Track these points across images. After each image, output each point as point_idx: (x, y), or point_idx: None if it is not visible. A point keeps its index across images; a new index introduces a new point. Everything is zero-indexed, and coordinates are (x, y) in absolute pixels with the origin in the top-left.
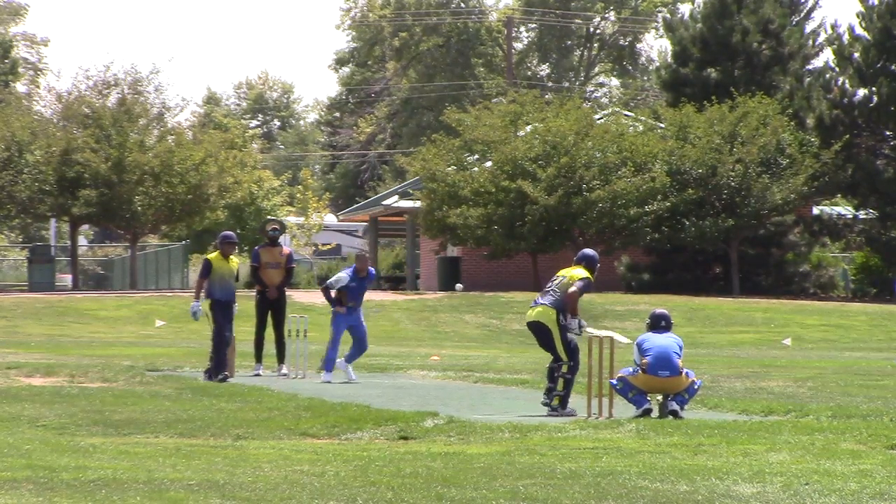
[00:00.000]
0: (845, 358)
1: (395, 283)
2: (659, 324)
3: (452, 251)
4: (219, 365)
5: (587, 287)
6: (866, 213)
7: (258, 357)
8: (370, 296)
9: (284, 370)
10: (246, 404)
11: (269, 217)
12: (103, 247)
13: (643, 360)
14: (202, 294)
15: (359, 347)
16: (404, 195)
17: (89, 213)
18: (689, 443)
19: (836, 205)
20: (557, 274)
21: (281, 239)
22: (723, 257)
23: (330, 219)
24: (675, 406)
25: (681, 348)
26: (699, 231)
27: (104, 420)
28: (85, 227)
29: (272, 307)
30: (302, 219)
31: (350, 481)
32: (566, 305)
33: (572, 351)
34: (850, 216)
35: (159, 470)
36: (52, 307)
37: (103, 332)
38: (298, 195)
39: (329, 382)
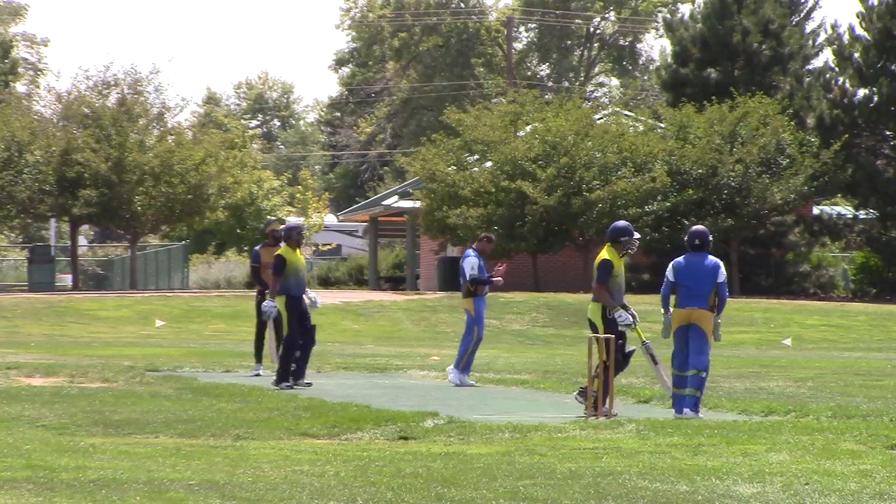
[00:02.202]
0: (845, 358)
1: (395, 283)
2: (693, 242)
3: (452, 251)
4: (286, 372)
5: (604, 272)
6: (866, 213)
7: (258, 357)
8: (370, 295)
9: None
10: (246, 404)
11: (274, 217)
12: (103, 247)
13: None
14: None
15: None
16: (404, 195)
17: (89, 213)
18: (689, 443)
19: (836, 205)
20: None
21: None
22: (723, 257)
23: (330, 219)
24: (689, 413)
25: (716, 274)
26: None
27: (104, 420)
28: (85, 227)
29: None
30: (302, 219)
31: (350, 481)
32: (599, 300)
33: (617, 347)
34: (850, 216)
35: (159, 470)
36: (52, 307)
37: (103, 332)
38: (298, 195)
39: (464, 385)
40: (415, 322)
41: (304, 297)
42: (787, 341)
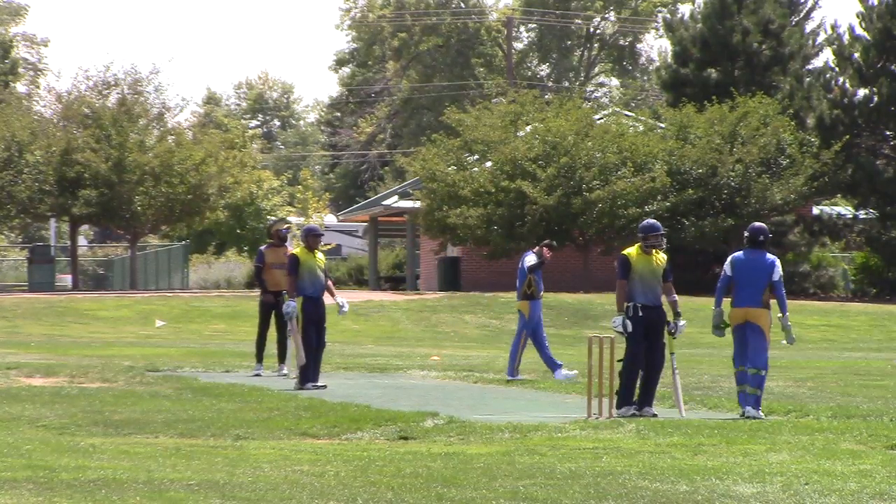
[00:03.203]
0: (845, 358)
1: (395, 283)
2: (755, 238)
3: (452, 251)
4: (305, 373)
5: (621, 268)
6: (866, 213)
7: (259, 357)
8: (370, 295)
9: (285, 370)
10: (246, 404)
11: (278, 218)
12: (103, 247)
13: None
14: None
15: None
16: (404, 195)
17: (89, 213)
18: (689, 443)
19: (836, 205)
20: None
21: None
22: (723, 257)
23: (330, 219)
24: (751, 411)
25: (772, 272)
26: (699, 231)
27: (104, 420)
28: (85, 227)
29: (275, 308)
30: (302, 219)
31: (350, 481)
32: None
33: (628, 349)
34: (850, 216)
35: (159, 470)
36: (52, 307)
37: (103, 332)
38: (298, 195)
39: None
40: (415, 322)
41: (336, 301)
42: (786, 341)
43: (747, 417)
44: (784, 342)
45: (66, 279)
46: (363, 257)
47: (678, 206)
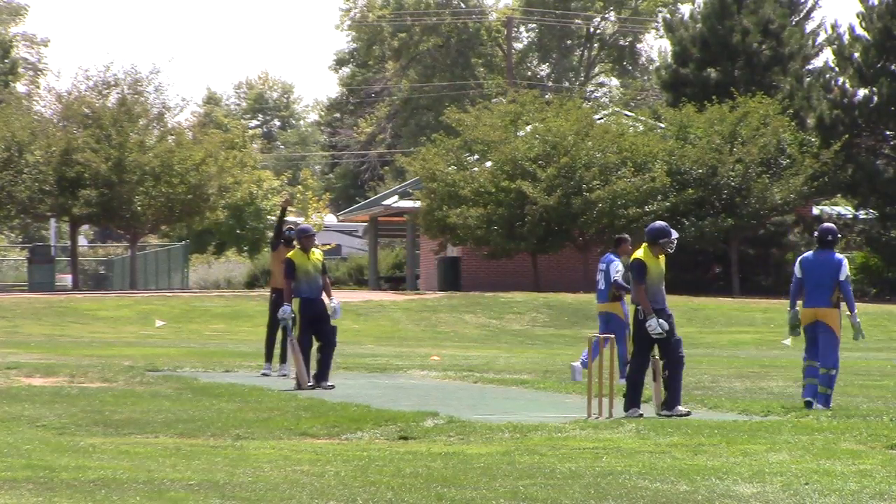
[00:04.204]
0: (845, 358)
1: (395, 283)
2: (824, 239)
3: (452, 251)
4: (305, 370)
5: (637, 273)
6: (866, 213)
7: (268, 357)
8: (370, 295)
9: (285, 370)
10: (246, 404)
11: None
12: (103, 247)
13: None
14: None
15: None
16: (404, 195)
17: (89, 213)
18: (689, 443)
19: (836, 205)
20: None
21: None
22: (723, 257)
23: (330, 219)
24: (820, 408)
25: (839, 271)
26: (699, 231)
27: (104, 420)
28: (85, 227)
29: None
30: (302, 219)
31: (350, 481)
32: (634, 301)
33: (636, 351)
34: (850, 216)
35: (159, 470)
36: (52, 307)
37: (103, 332)
38: (298, 195)
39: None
40: (415, 322)
41: (328, 302)
42: (787, 341)
43: (811, 408)
44: (855, 338)
45: (66, 279)
46: (363, 257)
47: (678, 206)
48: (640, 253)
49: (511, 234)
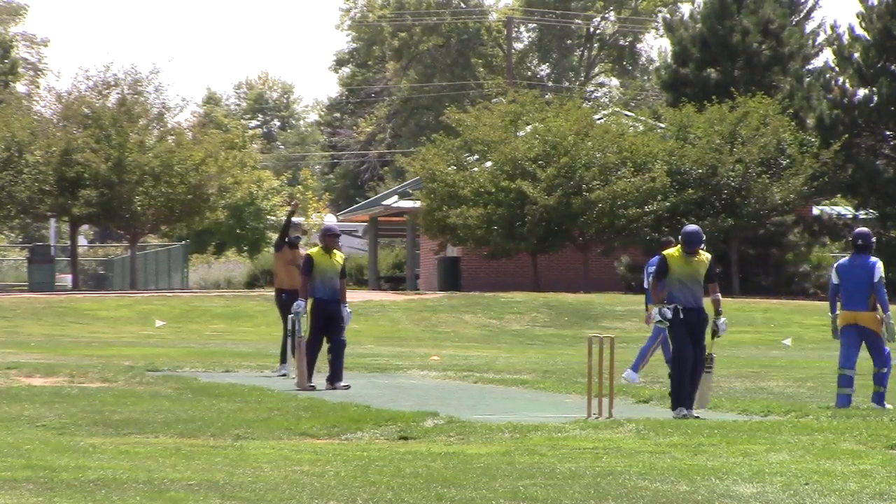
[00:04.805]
0: None
1: (395, 283)
2: (856, 243)
3: (452, 251)
4: (307, 372)
5: (656, 270)
6: (866, 213)
7: (283, 358)
8: (370, 295)
9: (285, 370)
10: (246, 404)
11: (294, 223)
12: (103, 247)
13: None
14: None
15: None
16: (404, 195)
17: (89, 213)
18: (689, 443)
19: (836, 205)
20: None
21: None
22: (723, 257)
23: (330, 219)
24: (876, 406)
25: (873, 273)
26: None
27: (104, 420)
28: (85, 227)
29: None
30: (302, 219)
31: (350, 481)
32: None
33: (673, 350)
34: (850, 216)
35: (159, 470)
36: (52, 307)
37: (103, 332)
38: (298, 195)
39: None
40: (415, 322)
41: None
42: (787, 341)
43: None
44: (885, 338)
45: (66, 279)
46: (363, 257)
47: (678, 206)
48: (671, 250)
49: (511, 234)
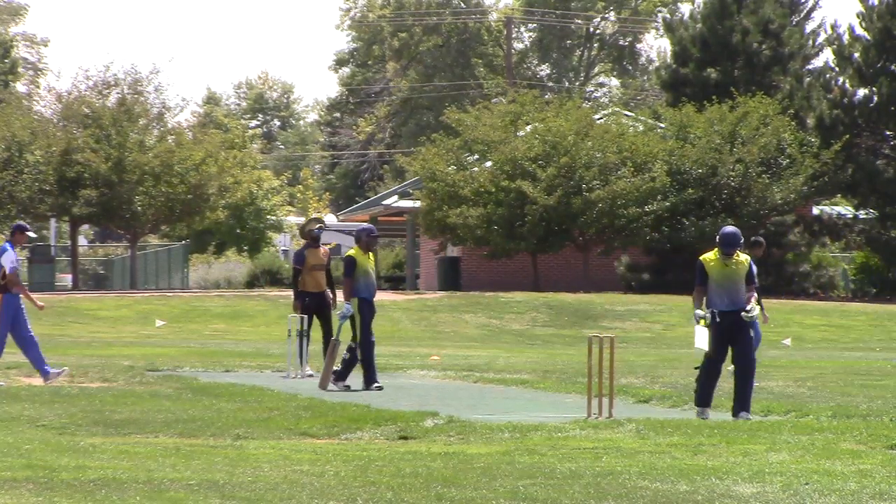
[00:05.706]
0: (845, 358)
1: (395, 283)
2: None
3: (452, 251)
4: (372, 373)
5: (697, 276)
6: (866, 213)
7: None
8: None
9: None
10: (246, 404)
11: (311, 217)
12: (103, 247)
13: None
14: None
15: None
16: (404, 195)
17: (89, 213)
18: (689, 443)
19: (836, 205)
20: None
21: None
22: None
23: (330, 219)
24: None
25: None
26: (699, 231)
27: (104, 420)
28: (85, 227)
29: (318, 310)
30: (302, 219)
31: (350, 481)
32: None
33: (710, 350)
34: (850, 216)
35: (159, 470)
36: (52, 307)
37: (103, 332)
38: (298, 195)
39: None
40: (415, 322)
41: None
42: (787, 341)
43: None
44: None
45: (66, 279)
46: None
47: (678, 206)
48: (708, 254)
49: (511, 233)
